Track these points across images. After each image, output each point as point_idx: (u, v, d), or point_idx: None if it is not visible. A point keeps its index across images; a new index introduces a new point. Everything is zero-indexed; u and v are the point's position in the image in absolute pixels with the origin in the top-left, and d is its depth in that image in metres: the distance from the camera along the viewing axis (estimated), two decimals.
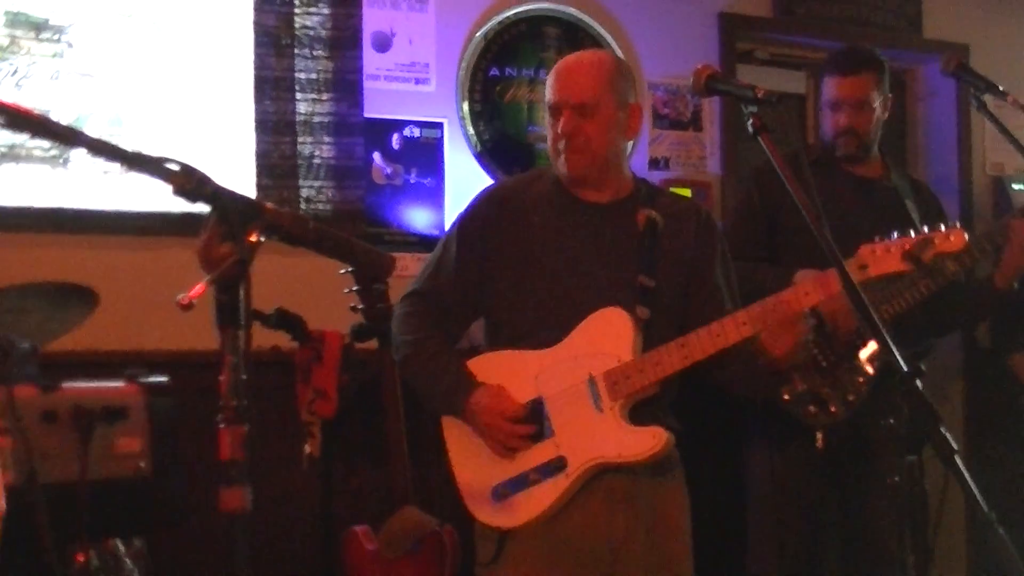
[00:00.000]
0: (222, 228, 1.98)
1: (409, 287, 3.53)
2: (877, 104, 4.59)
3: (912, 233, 3.14)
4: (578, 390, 3.24)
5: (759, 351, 3.18)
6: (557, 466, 3.23)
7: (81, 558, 3.14)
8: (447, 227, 5.11)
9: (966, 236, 3.12)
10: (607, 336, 3.25)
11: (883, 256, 3.13)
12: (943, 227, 3.13)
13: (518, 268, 3.37)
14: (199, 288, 1.92)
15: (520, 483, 3.25)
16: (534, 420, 3.27)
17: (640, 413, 3.24)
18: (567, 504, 3.24)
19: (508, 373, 3.32)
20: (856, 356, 4.41)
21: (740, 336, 3.15)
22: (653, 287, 3.31)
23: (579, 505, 3.25)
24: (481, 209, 3.50)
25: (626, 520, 3.26)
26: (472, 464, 3.33)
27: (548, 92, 3.39)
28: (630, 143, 3.51)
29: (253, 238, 1.97)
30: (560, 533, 3.25)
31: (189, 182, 1.98)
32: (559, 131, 3.33)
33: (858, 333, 4.33)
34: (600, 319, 3.27)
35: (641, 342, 3.24)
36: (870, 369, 4.36)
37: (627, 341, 3.24)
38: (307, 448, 4.15)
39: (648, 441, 3.21)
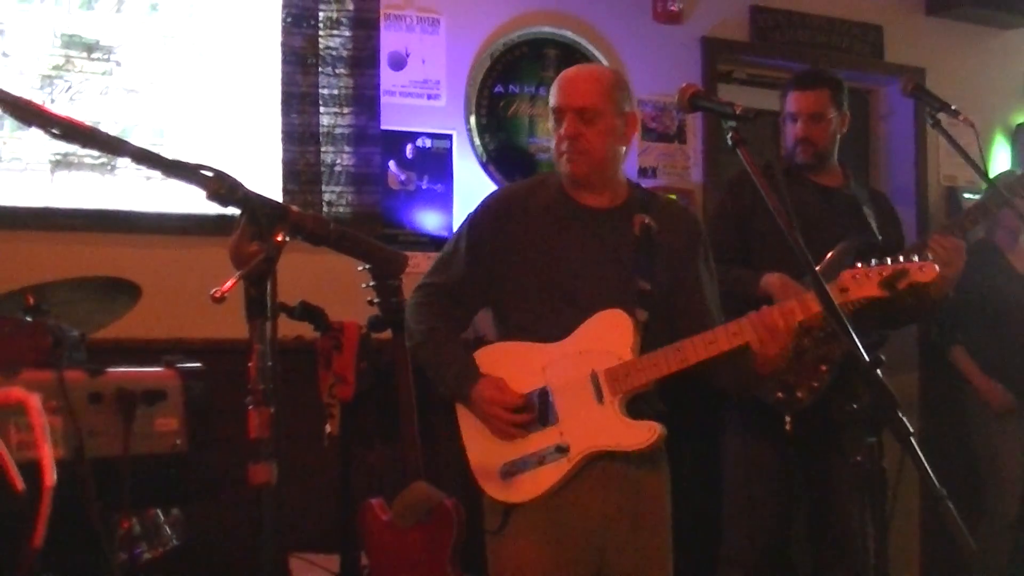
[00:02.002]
0: (251, 229, 1.98)
1: (421, 280, 3.52)
2: (833, 118, 4.59)
3: (888, 261, 3.13)
4: (582, 383, 3.24)
5: (751, 356, 3.18)
6: (560, 450, 3.22)
7: (125, 525, 3.13)
8: (455, 228, 5.14)
9: (937, 269, 3.12)
10: (609, 336, 3.25)
11: (862, 281, 3.12)
12: (916, 258, 3.13)
13: (523, 266, 3.36)
14: (230, 283, 1.91)
15: (526, 464, 3.25)
16: (540, 408, 3.27)
17: (635, 405, 3.25)
18: (566, 485, 3.24)
19: (518, 363, 3.32)
20: (819, 346, 4.42)
21: (731, 344, 3.15)
22: (650, 291, 3.30)
23: (576, 486, 3.24)
24: (490, 210, 3.49)
25: (617, 502, 3.27)
26: (482, 445, 3.33)
27: (552, 98, 3.36)
28: (625, 149, 3.45)
29: (279, 238, 1.97)
30: (558, 510, 3.25)
31: (222, 187, 1.97)
32: (562, 134, 3.31)
33: (821, 327, 4.32)
34: (603, 320, 3.26)
35: (639, 342, 3.24)
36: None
37: (627, 341, 3.23)
38: (328, 428, 4.13)
39: (644, 434, 3.21)
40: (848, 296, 3.14)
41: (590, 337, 3.26)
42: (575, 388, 3.24)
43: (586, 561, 3.28)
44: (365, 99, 5.11)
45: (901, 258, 3.13)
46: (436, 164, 5.31)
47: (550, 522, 3.25)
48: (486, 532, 3.36)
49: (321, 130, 5.04)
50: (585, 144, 3.30)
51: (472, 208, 3.55)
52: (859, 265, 3.15)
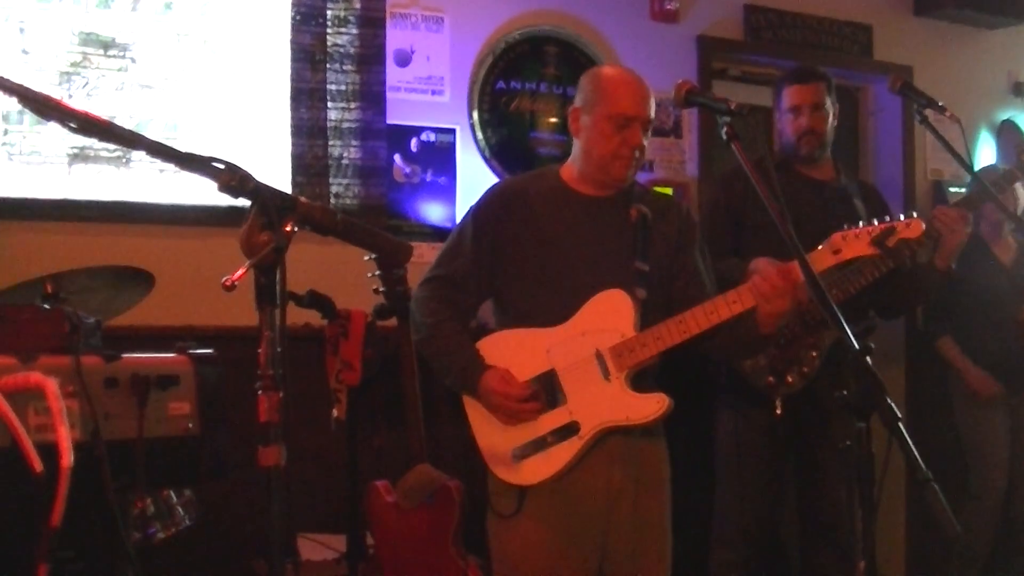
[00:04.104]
0: (261, 219, 1.98)
1: (427, 273, 3.49)
2: (830, 110, 4.60)
3: (876, 222, 3.15)
4: (587, 362, 3.23)
5: (753, 319, 3.17)
6: (571, 430, 3.22)
7: (139, 505, 3.13)
8: (458, 220, 5.14)
9: (923, 225, 3.14)
10: (610, 314, 3.24)
11: (853, 242, 3.13)
12: (902, 217, 3.15)
13: (526, 254, 3.35)
14: (241, 271, 1.91)
15: (538, 445, 3.24)
16: (547, 390, 3.25)
17: (638, 381, 3.24)
18: (577, 463, 3.23)
19: (521, 349, 3.30)
20: (809, 333, 4.42)
21: (731, 313, 3.15)
22: (647, 271, 3.30)
23: (585, 464, 3.24)
24: (493, 201, 3.47)
25: (621, 477, 3.27)
26: (492, 431, 3.30)
27: (620, 103, 3.29)
28: None
29: (288, 228, 1.97)
30: (570, 489, 3.25)
31: (233, 179, 1.98)
32: (633, 142, 3.28)
33: (809, 311, 4.33)
34: (603, 299, 3.25)
35: (640, 319, 3.23)
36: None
37: (629, 319, 3.22)
38: (335, 412, 4.14)
39: (653, 405, 3.20)
40: (841, 256, 3.14)
41: (591, 317, 3.25)
42: (581, 367, 3.23)
43: (592, 538, 3.28)
44: (371, 95, 5.10)
45: (888, 218, 3.16)
46: (440, 158, 5.31)
47: (563, 502, 3.25)
48: (498, 516, 3.34)
49: (329, 124, 5.03)
50: (641, 154, 3.34)
51: (474, 201, 3.54)
52: (846, 227, 3.16)
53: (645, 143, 3.33)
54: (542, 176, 3.54)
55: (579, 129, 3.39)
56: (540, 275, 3.33)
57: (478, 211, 3.48)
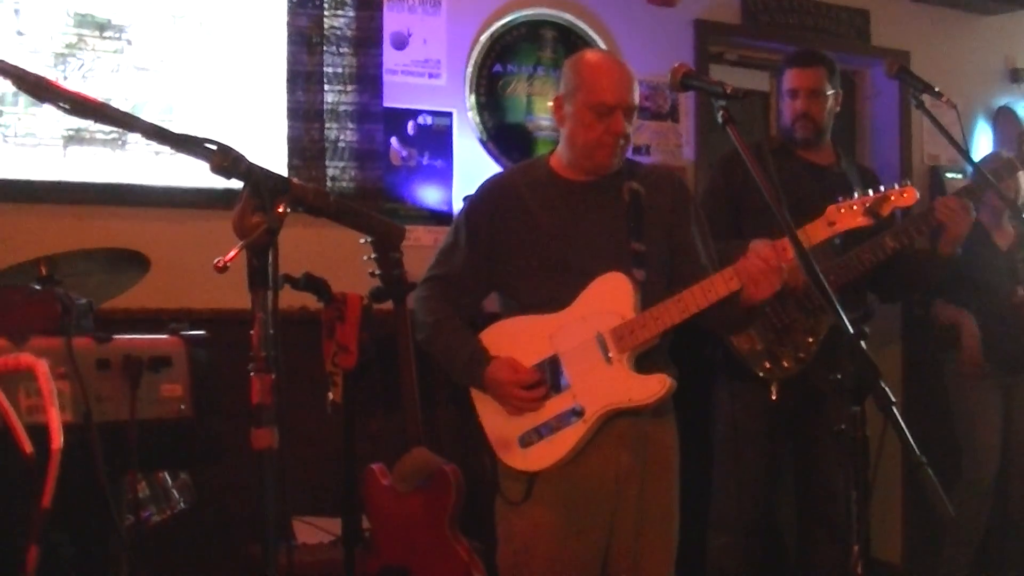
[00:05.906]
0: (254, 201, 1.97)
1: (426, 273, 3.51)
2: (829, 95, 4.59)
3: (870, 192, 3.15)
4: (589, 346, 3.22)
5: (737, 295, 3.16)
6: (576, 413, 3.21)
7: (136, 489, 3.13)
8: (454, 204, 5.15)
9: (917, 193, 3.15)
10: (610, 297, 3.23)
11: (847, 213, 3.14)
12: (896, 186, 3.15)
13: (523, 246, 3.34)
14: (233, 253, 1.91)
15: (544, 431, 3.24)
16: (551, 375, 3.25)
17: (644, 362, 3.24)
18: (583, 448, 3.23)
19: (525, 336, 3.30)
20: (807, 319, 4.42)
21: (728, 290, 3.14)
22: (644, 251, 3.29)
23: (593, 447, 3.24)
24: (484, 197, 3.48)
25: (629, 458, 3.27)
26: (498, 418, 3.31)
27: (599, 92, 3.26)
28: None
29: (281, 209, 1.96)
30: (579, 473, 3.25)
31: (225, 160, 1.96)
32: (615, 130, 3.26)
33: (807, 297, 4.32)
34: (603, 283, 3.25)
35: (640, 301, 3.22)
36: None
37: (628, 301, 3.22)
38: (331, 396, 4.12)
39: (655, 386, 3.20)
40: (836, 228, 3.16)
41: (592, 301, 3.25)
42: (583, 351, 3.23)
43: (599, 522, 3.29)
44: (368, 78, 5.09)
45: (882, 188, 3.18)
46: (437, 141, 5.29)
47: (572, 486, 3.25)
48: (507, 503, 3.33)
49: (325, 107, 5.02)
50: (626, 140, 3.32)
51: (469, 193, 3.54)
52: (841, 199, 3.16)
53: (629, 129, 3.31)
54: (531, 167, 3.54)
55: (563, 118, 3.38)
56: (539, 265, 3.33)
57: (470, 208, 3.49)
